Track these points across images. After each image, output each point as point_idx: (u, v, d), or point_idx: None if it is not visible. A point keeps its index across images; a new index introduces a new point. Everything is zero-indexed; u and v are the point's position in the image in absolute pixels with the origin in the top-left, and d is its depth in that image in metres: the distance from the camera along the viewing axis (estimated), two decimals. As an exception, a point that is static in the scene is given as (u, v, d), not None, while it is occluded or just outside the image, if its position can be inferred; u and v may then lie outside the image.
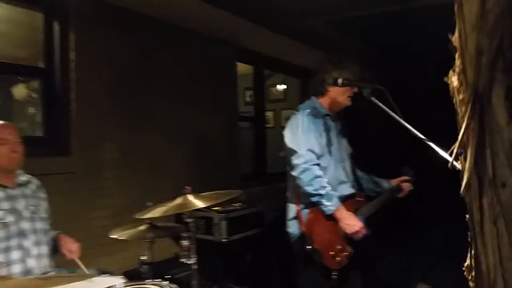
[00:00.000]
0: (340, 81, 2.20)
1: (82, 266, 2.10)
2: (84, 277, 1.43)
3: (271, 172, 5.14)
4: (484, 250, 0.87)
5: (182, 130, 3.68)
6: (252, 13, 3.56)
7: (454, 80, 0.93)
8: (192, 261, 2.09)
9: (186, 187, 2.09)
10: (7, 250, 1.94)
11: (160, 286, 1.76)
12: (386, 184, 2.60)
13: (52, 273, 1.89)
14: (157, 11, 3.30)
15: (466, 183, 0.88)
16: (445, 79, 0.98)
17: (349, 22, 3.99)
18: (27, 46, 3.20)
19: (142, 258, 2.76)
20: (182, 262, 3.24)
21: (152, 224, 2.17)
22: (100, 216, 3.00)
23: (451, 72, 0.95)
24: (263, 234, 3.63)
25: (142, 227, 2.16)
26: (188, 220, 2.10)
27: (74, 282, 1.38)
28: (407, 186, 2.60)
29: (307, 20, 3.88)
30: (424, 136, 1.60)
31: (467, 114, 0.86)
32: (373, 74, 2.79)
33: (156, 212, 1.97)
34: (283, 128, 7.07)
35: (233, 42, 4.22)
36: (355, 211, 2.35)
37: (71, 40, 2.84)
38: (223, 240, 3.23)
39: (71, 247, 2.20)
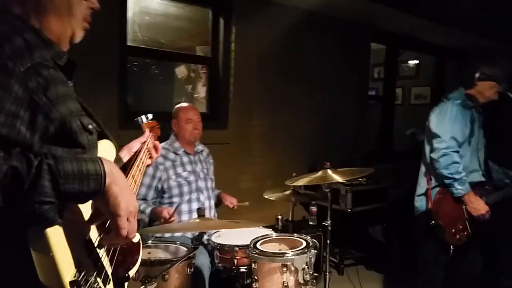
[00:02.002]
0: (477, 75, 2.35)
1: (244, 203, 2.73)
2: (252, 224, 1.95)
3: (396, 150, 5.25)
4: None
5: (316, 110, 4.06)
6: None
7: None
8: (327, 223, 2.48)
9: (327, 162, 2.49)
10: (189, 201, 2.61)
11: (305, 240, 2.22)
12: None
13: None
14: (301, 2, 3.65)
15: None
16: None
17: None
18: (191, 38, 3.88)
19: (278, 216, 3.32)
20: (310, 224, 3.75)
21: (295, 190, 2.65)
22: (247, 179, 3.61)
23: None
24: (385, 208, 3.90)
25: (287, 192, 2.65)
26: (327, 190, 2.52)
27: (247, 226, 1.91)
28: None
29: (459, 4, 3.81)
30: None
31: None
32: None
33: (301, 181, 2.42)
34: (412, 106, 6.95)
35: (368, 24, 4.38)
36: (481, 197, 2.52)
37: (233, 32, 3.40)
38: (348, 210, 3.61)
39: (231, 200, 2.83)
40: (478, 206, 2.43)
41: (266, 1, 3.51)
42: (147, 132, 1.56)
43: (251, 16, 3.49)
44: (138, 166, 1.32)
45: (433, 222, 2.45)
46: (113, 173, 0.87)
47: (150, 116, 1.68)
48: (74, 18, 0.96)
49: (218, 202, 2.89)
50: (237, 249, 2.18)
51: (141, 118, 1.64)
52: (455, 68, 5.73)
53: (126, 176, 1.22)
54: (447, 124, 2.46)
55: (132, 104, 3.21)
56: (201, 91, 4.63)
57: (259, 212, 3.44)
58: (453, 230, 2.44)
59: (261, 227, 2.57)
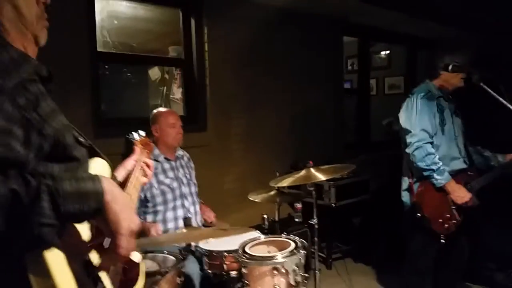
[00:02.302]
0: (450, 67, 2.38)
1: (224, 226, 2.67)
2: (242, 230, 1.92)
3: (374, 141, 5.30)
4: None
5: (292, 105, 4.04)
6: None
7: None
8: (313, 221, 2.48)
9: (310, 161, 2.48)
10: (174, 208, 2.55)
11: (293, 240, 2.20)
12: (500, 158, 2.67)
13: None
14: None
15: None
16: None
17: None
18: (163, 39, 3.80)
19: (264, 216, 3.30)
20: (296, 221, 3.75)
21: (280, 190, 2.63)
22: (229, 180, 3.57)
23: None
24: (368, 200, 3.94)
25: (272, 192, 2.63)
26: (311, 189, 2.51)
27: (234, 234, 1.87)
28: None
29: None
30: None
31: None
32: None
33: (286, 181, 2.40)
34: (386, 96, 7.04)
35: (340, 18, 4.39)
36: (465, 184, 2.56)
37: (205, 33, 3.34)
38: (332, 204, 3.63)
39: (209, 215, 2.79)
40: (461, 194, 2.46)
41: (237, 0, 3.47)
42: (138, 150, 1.54)
43: (222, 15, 3.43)
44: (132, 183, 1.30)
45: (418, 214, 2.47)
46: (112, 191, 0.84)
47: (142, 133, 1.67)
48: (26, 20, 0.90)
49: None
50: (226, 254, 2.15)
51: (133, 135, 1.61)
52: (426, 58, 5.86)
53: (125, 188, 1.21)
54: (414, 117, 2.50)
55: (106, 110, 3.12)
56: (177, 92, 4.54)
57: (243, 212, 3.42)
58: (440, 220, 2.47)
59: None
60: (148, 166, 1.50)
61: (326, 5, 3.87)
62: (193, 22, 3.35)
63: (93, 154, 1.05)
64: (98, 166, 1.03)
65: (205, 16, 3.36)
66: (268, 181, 3.70)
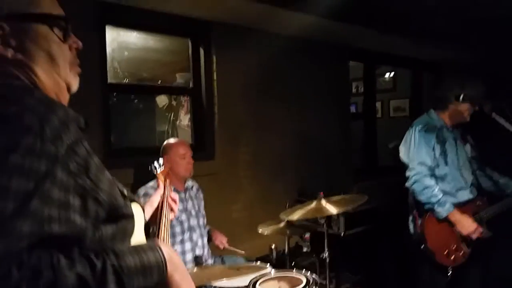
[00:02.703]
0: (461, 97, 2.37)
1: (236, 250, 2.66)
2: (254, 269, 1.88)
3: (381, 165, 5.26)
4: None
5: (299, 131, 4.04)
6: (365, 19, 3.73)
7: None
8: (325, 254, 2.45)
9: (320, 193, 2.46)
10: (182, 242, 2.53)
11: (304, 276, 2.16)
12: None
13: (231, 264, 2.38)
14: (279, 28, 3.66)
15: None
16: None
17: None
18: (172, 68, 3.84)
19: (272, 246, 3.26)
20: (304, 251, 3.71)
21: (290, 221, 2.60)
22: (237, 209, 3.55)
23: None
24: (377, 228, 3.89)
25: (281, 224, 2.60)
26: (321, 221, 2.48)
27: (246, 273, 1.85)
28: None
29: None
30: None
31: None
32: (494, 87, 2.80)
33: (296, 214, 2.37)
34: (391, 118, 7.03)
35: (345, 44, 4.43)
36: (473, 214, 2.52)
37: (214, 62, 3.37)
38: (341, 233, 3.58)
39: (222, 240, 2.76)
40: (466, 224, 2.42)
41: (245, 28, 3.50)
42: (162, 184, 1.48)
43: (231, 44, 3.47)
44: (165, 226, 1.27)
45: (422, 246, 2.44)
46: (172, 260, 0.83)
47: (161, 161, 1.61)
48: (59, 67, 0.87)
49: (209, 239, 2.82)
50: (236, 290, 2.11)
51: (155, 167, 1.56)
52: (431, 82, 5.88)
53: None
54: (412, 151, 2.49)
55: (114, 141, 3.13)
56: (184, 119, 4.56)
57: (251, 242, 3.37)
58: (446, 252, 2.43)
59: (258, 262, 2.50)
60: (174, 201, 1.45)
61: (331, 31, 3.90)
62: (202, 51, 3.38)
63: (131, 199, 1.02)
64: (134, 210, 1.01)
65: (214, 45, 3.39)
66: (276, 208, 3.67)
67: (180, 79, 4.13)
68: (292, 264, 3.04)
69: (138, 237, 0.95)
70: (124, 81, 3.17)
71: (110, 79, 2.91)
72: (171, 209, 1.44)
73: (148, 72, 3.53)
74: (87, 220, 0.75)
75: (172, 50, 3.60)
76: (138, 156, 3.09)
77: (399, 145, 5.43)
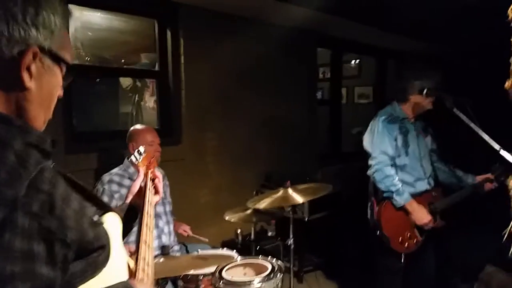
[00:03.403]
0: (424, 91, 2.45)
1: (200, 238, 2.67)
2: (221, 258, 1.90)
3: (345, 151, 5.38)
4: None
5: (266, 116, 4.06)
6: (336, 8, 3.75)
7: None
8: (290, 241, 2.51)
9: (287, 181, 2.50)
10: (148, 227, 2.51)
11: (270, 263, 2.21)
12: (470, 179, 2.73)
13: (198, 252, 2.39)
14: (248, 12, 3.62)
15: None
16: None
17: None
18: (137, 50, 3.72)
19: (238, 231, 3.30)
20: (269, 235, 3.78)
21: (256, 209, 2.63)
22: (204, 194, 3.55)
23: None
24: (340, 212, 4.01)
25: (248, 211, 2.63)
26: (288, 209, 2.53)
27: (214, 263, 1.86)
28: (488, 186, 2.67)
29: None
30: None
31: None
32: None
33: (263, 203, 2.41)
34: (355, 105, 7.18)
35: (314, 30, 4.44)
36: (429, 204, 2.64)
37: (181, 45, 3.29)
38: (305, 218, 3.67)
39: (185, 228, 2.78)
40: (421, 214, 2.54)
41: (214, 12, 3.44)
42: (141, 171, 1.45)
43: (199, 27, 3.41)
44: (148, 213, 1.25)
45: (378, 232, 2.54)
46: None
47: (142, 149, 1.54)
48: (50, 107, 0.87)
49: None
50: (202, 277, 2.13)
51: (134, 157, 1.50)
52: (394, 70, 6.03)
53: (141, 227, 1.15)
54: (375, 140, 2.58)
55: (77, 124, 3.02)
56: (149, 101, 4.45)
57: (218, 226, 3.41)
58: (400, 239, 2.54)
59: (225, 249, 2.53)
60: (156, 184, 1.45)
61: (300, 18, 3.90)
62: (169, 33, 3.29)
63: (104, 209, 0.96)
64: (110, 223, 0.98)
65: (181, 27, 3.31)
66: (243, 193, 3.71)
67: (145, 59, 4.01)
68: (257, 248, 3.10)
69: (114, 251, 0.93)
70: (87, 62, 3.04)
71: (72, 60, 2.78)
72: (156, 191, 1.45)
73: (112, 53, 3.40)
74: (55, 269, 0.67)
75: (138, 32, 3.49)
76: (102, 140, 3.02)
77: (362, 131, 5.57)
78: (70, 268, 0.71)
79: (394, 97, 2.73)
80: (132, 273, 0.98)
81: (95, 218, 0.85)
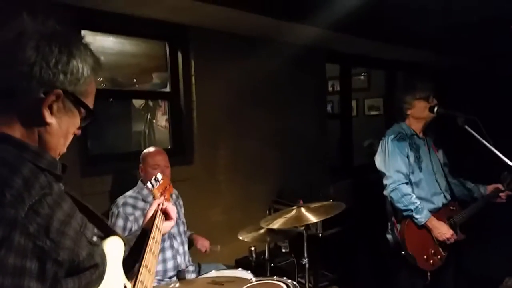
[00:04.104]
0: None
1: (215, 247, 2.71)
2: (240, 281, 1.91)
3: (357, 164, 5.36)
4: None
5: (277, 132, 4.06)
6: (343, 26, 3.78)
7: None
8: (305, 260, 2.50)
9: (300, 200, 2.50)
10: (163, 250, 2.52)
11: (285, 284, 2.20)
12: (482, 190, 2.75)
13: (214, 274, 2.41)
14: (256, 31, 3.66)
15: None
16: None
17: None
18: (148, 70, 3.78)
19: (251, 248, 3.30)
20: (283, 251, 3.77)
21: (270, 228, 2.63)
22: (217, 212, 3.56)
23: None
24: (353, 227, 3.98)
25: (262, 231, 2.63)
26: (301, 228, 2.53)
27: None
28: (503, 196, 2.69)
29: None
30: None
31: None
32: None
33: (276, 223, 2.41)
34: (366, 117, 7.17)
35: (322, 47, 4.48)
36: (448, 219, 2.62)
37: (192, 66, 3.34)
38: (319, 234, 3.65)
39: (204, 243, 2.79)
40: (443, 230, 2.53)
41: (223, 33, 3.49)
42: (156, 200, 1.50)
43: (210, 48, 3.45)
44: (154, 238, 1.29)
45: (403, 252, 2.52)
46: None
47: (159, 176, 1.59)
48: (65, 144, 0.97)
49: (190, 244, 2.83)
50: (218, 299, 2.13)
51: (151, 184, 1.53)
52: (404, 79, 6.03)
53: (145, 251, 1.19)
54: (387, 160, 2.58)
55: (91, 147, 3.07)
56: (161, 119, 4.51)
57: (231, 244, 3.40)
58: (425, 257, 2.52)
59: (239, 269, 2.54)
60: (167, 211, 1.49)
61: (309, 36, 3.94)
62: (179, 55, 3.35)
63: (107, 232, 1.04)
64: (111, 246, 1.01)
65: (192, 48, 3.37)
66: (256, 210, 3.72)
67: (156, 79, 4.07)
68: (271, 265, 3.09)
69: (112, 273, 0.96)
70: (101, 86, 3.09)
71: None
72: (169, 218, 1.49)
73: (125, 75, 3.47)
74: (44, 284, 0.74)
75: (150, 54, 3.55)
76: (116, 161, 3.06)
77: (373, 143, 5.57)
78: (62, 284, 0.78)
79: (399, 118, 2.76)
80: None
81: (94, 239, 0.92)
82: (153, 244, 1.26)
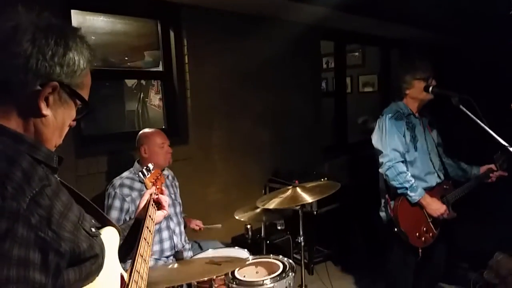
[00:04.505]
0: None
1: (212, 226, 2.75)
2: (238, 261, 1.94)
3: (351, 142, 5.38)
4: None
5: (271, 110, 4.06)
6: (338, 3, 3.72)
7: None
8: (300, 238, 2.55)
9: (295, 180, 2.52)
10: (159, 230, 2.54)
11: (281, 262, 2.25)
12: (475, 170, 2.80)
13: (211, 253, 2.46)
14: (252, 9, 3.60)
15: None
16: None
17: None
18: (140, 49, 3.72)
19: (248, 226, 3.33)
20: (278, 228, 3.81)
21: (266, 208, 2.66)
22: (212, 191, 3.58)
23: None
24: (348, 203, 4.03)
25: (258, 210, 2.66)
26: (297, 208, 2.56)
27: (228, 268, 1.91)
28: (494, 176, 2.74)
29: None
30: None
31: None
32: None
33: (272, 203, 2.43)
34: (360, 94, 7.16)
35: (317, 24, 4.41)
36: (441, 197, 2.66)
37: (185, 45, 3.29)
38: (314, 212, 3.70)
39: (197, 223, 2.84)
40: (436, 207, 2.57)
41: (216, 11, 3.42)
42: (148, 190, 1.53)
43: (201, 26, 3.40)
44: (148, 228, 1.30)
45: (395, 229, 2.57)
46: None
47: (151, 166, 1.63)
48: (62, 136, 0.98)
49: (184, 226, 2.86)
50: (215, 277, 2.17)
51: (142, 173, 1.57)
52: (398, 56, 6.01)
53: (139, 241, 1.21)
54: (384, 138, 2.59)
55: (84, 127, 3.04)
56: (154, 98, 4.47)
57: (227, 222, 3.44)
58: (417, 234, 2.57)
59: (236, 248, 2.58)
60: (160, 200, 1.52)
61: (304, 13, 3.88)
62: (172, 33, 3.29)
63: (103, 222, 1.06)
64: (107, 236, 1.03)
65: (184, 27, 3.31)
66: (251, 189, 3.75)
67: (148, 57, 4.00)
68: (267, 242, 3.14)
69: (109, 263, 0.98)
70: (93, 65, 3.04)
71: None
72: (161, 207, 1.52)
73: (116, 55, 3.41)
74: (47, 275, 0.75)
75: (141, 33, 3.49)
76: (111, 142, 3.05)
77: (367, 119, 5.57)
78: (63, 275, 0.80)
79: (397, 97, 2.75)
80: (125, 285, 1.04)
81: (93, 230, 0.94)
82: (147, 233, 1.29)
